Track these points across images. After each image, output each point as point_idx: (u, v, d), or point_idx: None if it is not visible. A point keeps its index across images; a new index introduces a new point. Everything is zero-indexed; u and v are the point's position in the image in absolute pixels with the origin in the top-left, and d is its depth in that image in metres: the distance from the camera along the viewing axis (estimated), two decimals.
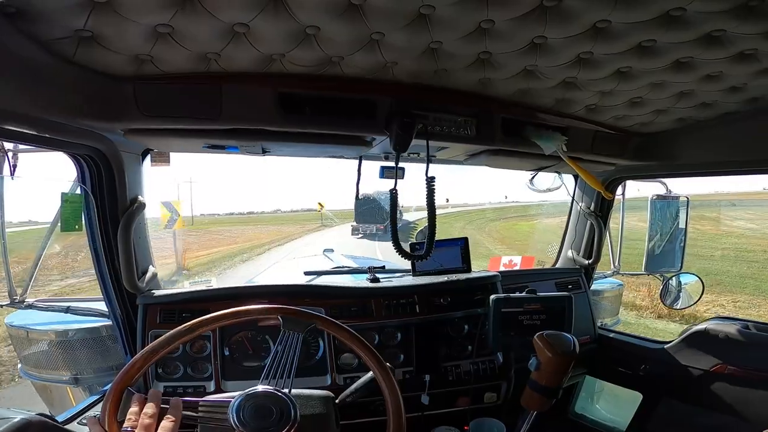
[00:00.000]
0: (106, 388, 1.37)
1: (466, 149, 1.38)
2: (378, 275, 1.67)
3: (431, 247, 1.19)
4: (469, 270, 1.73)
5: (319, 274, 1.89)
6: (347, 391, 1.05)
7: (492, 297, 1.42)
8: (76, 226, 1.22)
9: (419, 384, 1.44)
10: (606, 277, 2.06)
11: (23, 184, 1.22)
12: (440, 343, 1.50)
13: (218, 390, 1.32)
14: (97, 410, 1.22)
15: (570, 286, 1.82)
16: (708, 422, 1.50)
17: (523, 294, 1.44)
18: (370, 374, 1.01)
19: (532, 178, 1.66)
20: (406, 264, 1.71)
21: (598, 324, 1.94)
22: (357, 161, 1.45)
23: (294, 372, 0.96)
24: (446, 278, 1.59)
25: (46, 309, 1.53)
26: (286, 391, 0.92)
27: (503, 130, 1.24)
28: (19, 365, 1.85)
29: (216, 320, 0.99)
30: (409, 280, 1.66)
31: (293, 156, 1.43)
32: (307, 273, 1.87)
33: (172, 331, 0.95)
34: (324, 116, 1.08)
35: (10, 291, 1.49)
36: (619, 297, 2.23)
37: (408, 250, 1.24)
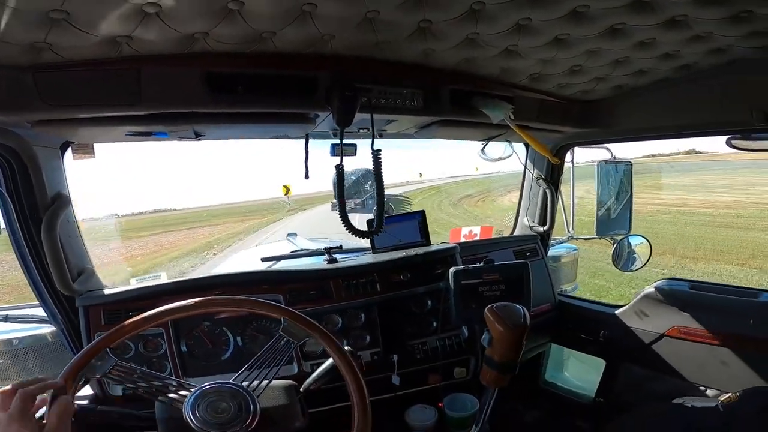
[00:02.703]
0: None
1: (415, 121, 1.36)
2: (336, 255, 1.65)
3: (381, 223, 1.17)
4: (428, 243, 1.72)
5: (277, 259, 1.84)
6: (310, 379, 1.03)
7: (451, 269, 1.41)
8: None
9: (388, 365, 1.44)
10: (561, 243, 2.12)
11: None
12: (405, 320, 1.50)
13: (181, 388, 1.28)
14: None
15: (528, 254, 1.86)
16: (667, 386, 1.56)
17: (481, 264, 1.45)
18: (330, 360, 0.99)
19: (484, 147, 1.67)
20: (366, 242, 1.70)
21: (558, 290, 2.00)
22: (304, 141, 1.39)
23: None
24: (404, 253, 1.58)
25: None
26: (244, 384, 0.90)
27: (451, 101, 1.23)
28: None
29: (214, 304, 1.01)
30: (368, 258, 1.65)
31: (231, 138, 1.38)
32: (264, 259, 1.82)
33: (175, 304, 0.96)
34: (259, 95, 1.03)
35: None
36: (576, 262, 2.30)
37: (366, 227, 1.23)
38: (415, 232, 1.72)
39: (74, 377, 0.86)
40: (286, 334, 0.97)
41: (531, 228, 1.98)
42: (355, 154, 1.47)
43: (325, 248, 1.67)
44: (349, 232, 1.16)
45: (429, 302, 1.53)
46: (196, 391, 0.88)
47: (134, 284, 1.45)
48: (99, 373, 0.89)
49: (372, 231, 1.19)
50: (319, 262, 1.64)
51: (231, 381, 0.91)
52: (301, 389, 1.01)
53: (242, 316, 1.37)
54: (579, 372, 1.94)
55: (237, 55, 0.96)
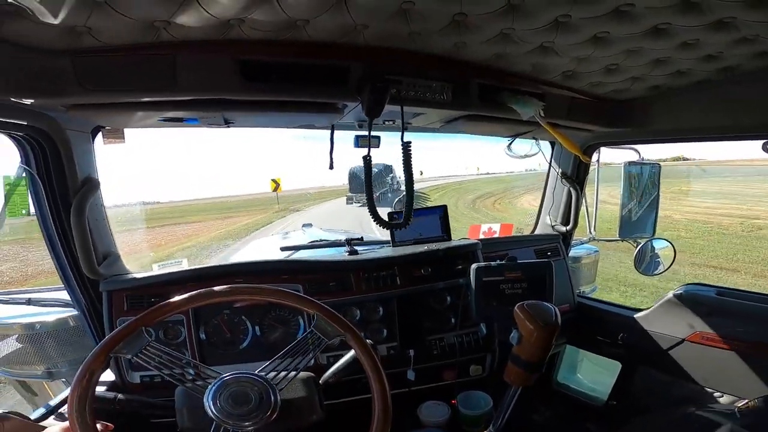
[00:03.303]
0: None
1: (442, 115, 1.35)
2: (356, 247, 1.64)
3: (410, 215, 1.16)
4: (449, 238, 1.71)
5: (296, 249, 1.84)
6: (329, 372, 1.03)
7: (473, 266, 1.40)
8: (23, 211, 1.13)
9: (404, 359, 1.43)
10: (582, 244, 2.09)
11: None
12: (423, 315, 1.49)
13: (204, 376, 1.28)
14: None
15: (549, 253, 1.84)
16: (685, 392, 1.53)
17: (503, 262, 1.43)
18: (351, 353, 0.99)
19: (510, 144, 1.65)
20: (386, 235, 1.69)
21: (577, 292, 1.97)
22: (330, 132, 1.39)
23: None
24: (426, 248, 1.56)
25: (7, 302, 1.45)
26: (263, 374, 0.90)
27: (479, 96, 1.21)
28: None
29: (260, 294, 0.99)
30: (388, 251, 1.63)
31: (260, 126, 1.37)
32: (283, 249, 1.82)
33: (212, 289, 0.96)
34: (291, 84, 1.02)
35: None
36: (596, 263, 2.27)
37: (387, 219, 1.22)
38: (436, 226, 1.70)
39: (109, 351, 0.86)
40: (319, 331, 0.96)
41: (553, 227, 1.95)
42: (378, 146, 1.46)
43: (346, 239, 1.66)
44: (377, 222, 1.15)
45: (448, 298, 1.52)
46: (218, 381, 0.87)
47: (156, 270, 1.46)
48: (131, 352, 0.88)
49: (400, 223, 1.17)
50: (338, 254, 1.63)
51: (255, 372, 0.90)
52: (320, 381, 1.01)
53: (261, 305, 1.37)
54: (592, 374, 1.91)
55: (270, 42, 0.96)
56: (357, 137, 1.43)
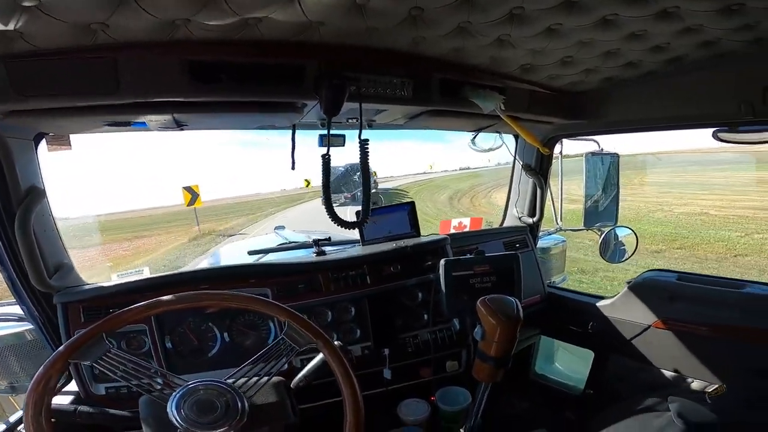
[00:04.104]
0: None
1: (405, 111, 1.34)
2: (324, 248, 1.62)
3: (368, 213, 1.16)
4: (418, 234, 1.71)
5: (264, 252, 1.81)
6: (300, 376, 1.01)
7: (442, 261, 1.40)
8: None
9: (379, 358, 1.42)
10: (550, 234, 2.13)
11: None
12: (396, 313, 1.48)
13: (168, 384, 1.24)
14: None
15: (517, 245, 1.87)
16: (656, 378, 1.58)
17: (472, 256, 1.44)
18: (320, 356, 0.97)
19: (474, 138, 1.67)
20: (356, 235, 1.68)
21: (547, 282, 2.00)
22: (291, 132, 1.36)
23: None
24: (394, 245, 1.56)
25: None
26: (230, 381, 0.88)
27: (441, 91, 1.21)
28: None
29: (230, 300, 0.98)
30: (357, 250, 1.63)
31: (216, 128, 1.34)
32: (251, 252, 1.79)
33: (181, 294, 0.94)
34: (245, 84, 0.99)
35: None
36: (564, 253, 2.32)
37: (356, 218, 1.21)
38: (405, 223, 1.70)
39: (68, 357, 0.83)
40: (290, 339, 0.95)
41: (520, 219, 1.98)
42: (343, 145, 1.45)
43: (314, 240, 1.64)
44: (335, 222, 1.14)
45: (420, 294, 1.52)
46: (181, 389, 0.85)
47: (115, 280, 1.41)
48: (91, 359, 0.84)
49: (358, 222, 1.17)
50: (307, 255, 1.61)
51: (221, 379, 0.88)
52: (291, 385, 0.99)
53: (229, 311, 1.34)
54: (569, 364, 1.96)
55: (221, 42, 0.93)
56: (321, 136, 1.40)
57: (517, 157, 1.93)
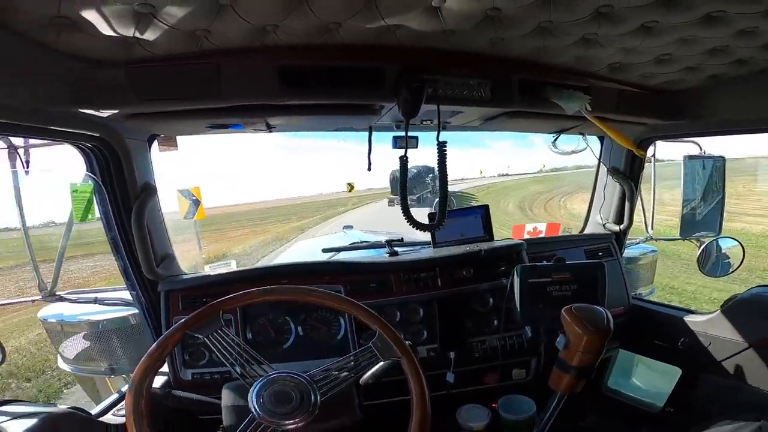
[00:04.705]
0: None
1: (482, 113, 1.31)
2: (396, 248, 1.64)
3: (443, 216, 1.14)
4: (491, 239, 1.66)
5: (337, 250, 1.86)
6: (369, 373, 1.02)
7: (517, 267, 1.36)
8: (89, 216, 1.23)
9: (444, 361, 1.40)
10: (638, 244, 1.96)
11: (39, 180, 1.24)
12: (465, 317, 1.46)
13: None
14: None
15: (600, 254, 1.74)
16: (752, 400, 1.40)
17: (551, 263, 1.37)
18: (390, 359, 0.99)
19: (555, 140, 1.58)
20: (427, 236, 1.67)
21: (632, 294, 1.85)
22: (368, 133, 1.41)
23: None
24: (467, 248, 1.53)
25: (75, 301, 1.57)
26: (307, 375, 0.91)
27: (520, 91, 1.17)
28: (59, 358, 1.92)
29: (334, 301, 1.05)
30: (428, 252, 1.61)
31: (300, 130, 1.42)
32: (325, 250, 1.85)
33: (286, 287, 1.04)
34: (328, 87, 1.04)
35: (39, 285, 1.53)
36: (654, 264, 2.12)
37: (428, 221, 1.21)
38: (477, 227, 1.66)
39: (187, 328, 0.94)
40: (376, 349, 0.98)
41: (604, 226, 1.84)
42: (416, 147, 1.46)
43: (386, 241, 1.66)
44: (410, 224, 1.14)
45: (491, 300, 1.47)
46: (263, 378, 0.90)
47: (208, 270, 1.53)
48: (205, 333, 0.95)
49: (433, 224, 1.16)
50: (379, 255, 1.63)
51: (292, 371, 0.92)
52: (360, 382, 1.01)
53: (304, 306, 1.39)
54: (648, 380, 1.80)
55: (306, 47, 0.97)
56: (395, 138, 1.43)
57: (602, 160, 1.81)
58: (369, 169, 1.33)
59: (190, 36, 0.87)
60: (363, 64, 1.04)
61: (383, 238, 1.73)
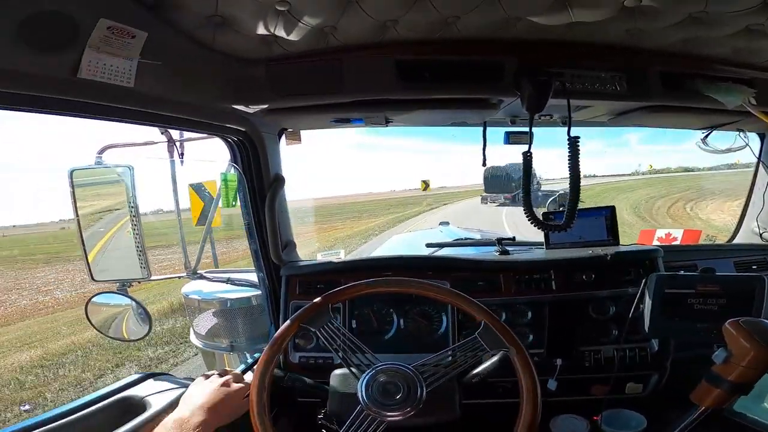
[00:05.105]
0: (251, 359, 1.50)
1: (613, 107, 1.23)
2: (507, 248, 1.57)
3: (573, 217, 1.07)
4: (616, 243, 1.52)
5: (441, 246, 1.84)
6: (475, 372, 1.01)
7: (653, 275, 1.22)
8: (234, 203, 1.38)
9: (548, 368, 1.31)
10: None
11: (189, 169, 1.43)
12: (578, 324, 1.35)
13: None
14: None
15: (755, 267, 1.49)
16: None
17: (696, 273, 1.20)
18: (500, 355, 0.97)
19: (705, 137, 1.39)
20: (536, 237, 1.58)
21: None
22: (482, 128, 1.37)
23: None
24: (591, 252, 1.41)
25: (212, 280, 1.78)
26: (413, 366, 0.92)
27: (663, 84, 1.07)
28: (191, 332, 2.18)
29: (436, 292, 1.06)
30: (542, 253, 1.53)
31: (416, 125, 1.44)
32: (429, 245, 1.83)
33: (388, 278, 1.07)
34: (445, 81, 1.04)
35: (185, 264, 1.77)
36: None
37: (541, 220, 1.15)
38: (600, 229, 1.53)
39: (301, 321, 1.00)
40: (483, 340, 0.96)
41: (761, 236, 1.57)
42: (531, 143, 1.39)
43: (497, 239, 1.60)
44: (533, 223, 1.10)
45: (612, 308, 1.35)
46: (372, 369, 0.93)
47: (320, 258, 1.63)
48: (316, 326, 1.00)
49: (560, 225, 1.09)
50: (488, 253, 1.58)
51: (401, 363, 0.94)
52: (463, 380, 1.00)
53: (408, 299, 1.40)
54: None
55: (424, 42, 0.98)
56: (507, 134, 1.39)
57: (763, 160, 1.55)
58: (484, 164, 1.30)
59: (319, 33, 0.92)
60: (481, 57, 1.02)
61: (477, 236, 1.67)
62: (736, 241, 1.70)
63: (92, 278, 1.47)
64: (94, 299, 1.51)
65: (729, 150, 1.41)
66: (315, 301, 1.00)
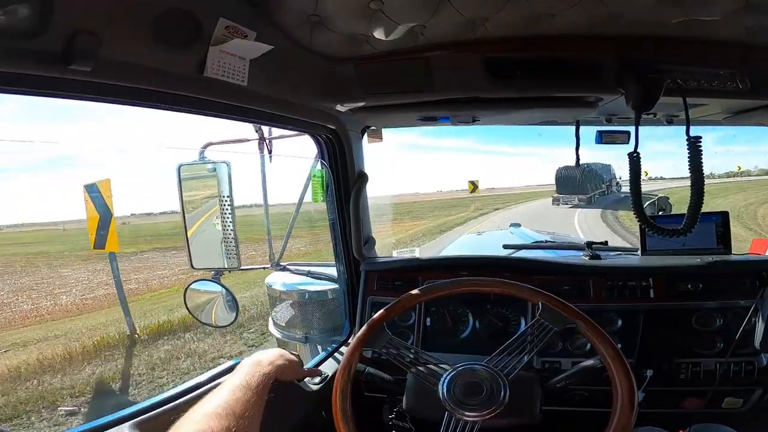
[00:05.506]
0: (322, 353, 1.53)
1: (729, 106, 1.15)
2: (599, 252, 1.49)
3: (695, 221, 0.99)
4: (728, 252, 1.39)
5: (519, 248, 1.78)
6: (561, 376, 1.00)
7: None
8: (321, 198, 1.43)
9: (637, 379, 1.21)
10: None
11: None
12: (677, 335, 1.26)
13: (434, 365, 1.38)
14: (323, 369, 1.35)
15: None
16: None
17: None
18: (590, 361, 0.95)
19: None
20: (631, 242, 1.47)
21: None
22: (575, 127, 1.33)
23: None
24: (699, 260, 1.30)
25: (294, 272, 1.86)
26: (503, 373, 0.91)
27: None
28: (270, 322, 2.29)
29: (482, 285, 1.10)
30: (637, 260, 1.44)
31: (502, 124, 1.40)
32: (506, 246, 1.78)
33: (439, 282, 1.09)
34: (537, 79, 1.01)
35: (270, 256, 1.88)
36: None
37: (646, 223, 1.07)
38: (709, 236, 1.40)
39: (361, 345, 1.02)
40: (546, 320, 0.95)
41: None
42: (627, 142, 1.30)
43: (587, 243, 1.52)
44: (648, 227, 1.04)
45: (720, 320, 1.25)
46: (453, 369, 0.93)
47: (396, 256, 1.64)
48: (377, 347, 1.02)
49: (681, 229, 1.01)
50: (576, 257, 1.51)
51: (483, 363, 0.93)
52: (544, 385, 0.99)
53: (485, 300, 1.38)
54: None
55: (515, 39, 0.96)
56: (600, 132, 1.32)
57: None
58: (577, 164, 1.24)
59: (409, 32, 0.93)
60: (576, 54, 0.99)
61: (546, 238, 1.58)
62: None
63: (192, 266, 1.60)
64: (192, 285, 1.64)
65: None
66: (369, 321, 1.04)
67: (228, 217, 1.54)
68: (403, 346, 1.02)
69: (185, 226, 1.54)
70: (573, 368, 1.01)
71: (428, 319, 1.42)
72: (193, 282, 1.66)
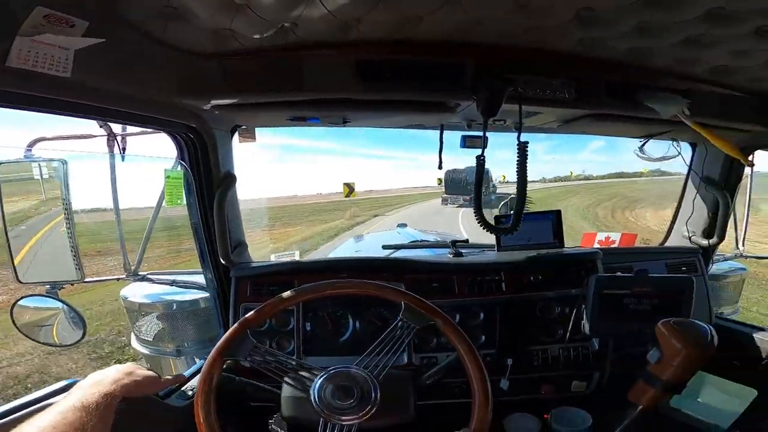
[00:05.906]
0: (199, 362, 1.44)
1: (562, 114, 1.26)
2: (461, 250, 1.60)
3: (519, 220, 1.11)
4: (561, 246, 1.59)
5: (397, 248, 1.85)
6: (430, 372, 1.03)
7: (593, 276, 1.29)
8: (179, 201, 1.30)
9: (500, 368, 1.36)
10: (726, 260, 1.79)
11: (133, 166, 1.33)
12: (527, 324, 1.40)
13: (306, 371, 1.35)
14: (192, 384, 1.27)
15: (684, 269, 1.62)
16: None
17: (631, 274, 1.29)
18: (453, 356, 0.99)
19: (642, 145, 1.49)
20: (489, 239, 1.63)
21: (716, 313, 1.71)
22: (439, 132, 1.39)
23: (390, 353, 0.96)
24: (536, 254, 1.47)
25: (155, 282, 1.67)
26: (371, 373, 0.92)
27: (608, 93, 1.12)
28: (133, 337, 2.04)
29: (347, 287, 1.08)
30: (493, 255, 1.57)
31: (373, 126, 1.43)
32: (385, 247, 1.84)
33: (302, 286, 1.06)
34: (406, 82, 1.04)
35: (125, 264, 1.65)
36: (742, 283, 1.93)
37: (493, 223, 1.18)
38: (547, 232, 1.60)
39: (221, 356, 0.95)
40: (407, 319, 0.99)
41: (690, 239, 1.71)
42: (486, 147, 1.42)
43: (452, 241, 1.63)
44: (485, 228, 1.12)
45: (558, 308, 1.41)
46: (324, 373, 0.92)
47: (274, 260, 1.58)
48: (241, 356, 0.96)
49: (507, 227, 1.13)
50: (442, 255, 1.61)
51: (354, 365, 0.94)
52: (416, 382, 1.01)
53: (364, 301, 1.39)
54: (716, 400, 1.65)
55: (385, 42, 0.97)
56: (464, 137, 1.41)
57: (694, 168, 1.68)
58: (440, 167, 1.32)
59: (280, 29, 0.89)
60: (441, 60, 1.03)
61: (437, 239, 1.70)
62: (668, 243, 1.83)
63: (18, 280, 1.34)
64: (20, 302, 1.38)
65: (663, 158, 1.51)
66: (231, 329, 0.98)
67: (67, 223, 1.32)
68: (271, 353, 0.98)
69: (6, 235, 1.27)
70: (440, 364, 1.06)
71: (308, 324, 1.39)
72: (21, 298, 1.39)
